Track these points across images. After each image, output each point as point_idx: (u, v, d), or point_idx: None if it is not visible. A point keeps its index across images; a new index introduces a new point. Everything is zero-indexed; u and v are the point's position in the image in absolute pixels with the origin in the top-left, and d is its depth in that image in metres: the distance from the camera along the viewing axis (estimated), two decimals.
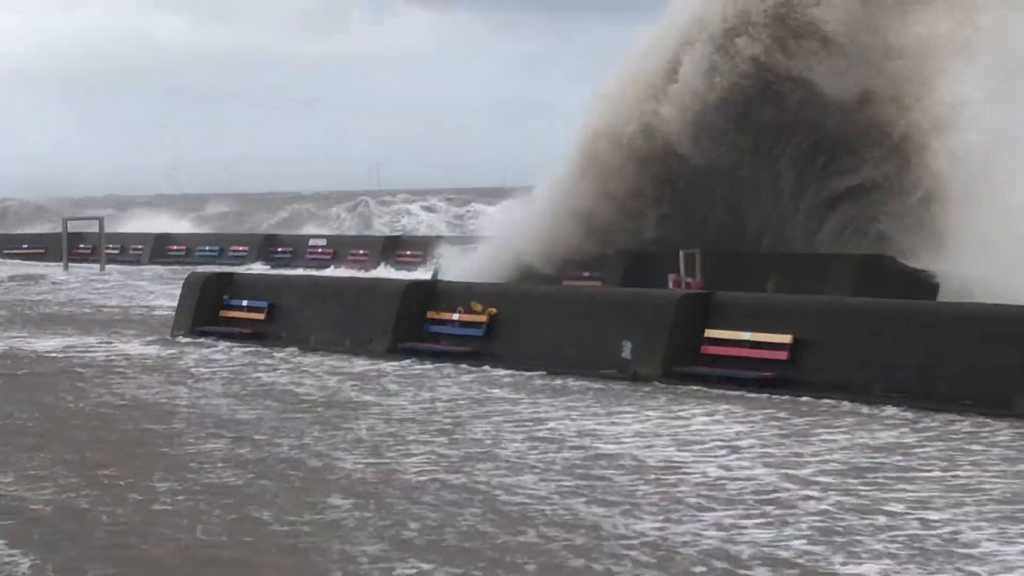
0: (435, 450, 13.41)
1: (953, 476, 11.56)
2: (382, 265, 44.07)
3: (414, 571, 8.89)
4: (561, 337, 19.52)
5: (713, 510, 10.38)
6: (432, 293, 21.63)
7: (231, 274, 28.78)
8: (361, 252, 47.69)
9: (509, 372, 18.81)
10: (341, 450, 13.35)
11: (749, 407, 15.93)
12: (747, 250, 28.35)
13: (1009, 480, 11.34)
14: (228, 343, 23.52)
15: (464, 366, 19.39)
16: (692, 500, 10.86)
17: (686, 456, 12.93)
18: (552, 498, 10.86)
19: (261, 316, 24.30)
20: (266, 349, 22.63)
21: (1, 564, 9.47)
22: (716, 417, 15.32)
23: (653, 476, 12.02)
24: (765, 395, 16.60)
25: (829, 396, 15.97)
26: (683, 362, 17.62)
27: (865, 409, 15.58)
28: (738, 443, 13.79)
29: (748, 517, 10.13)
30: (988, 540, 9.19)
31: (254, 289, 25.98)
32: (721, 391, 16.89)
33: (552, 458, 12.70)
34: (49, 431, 15.15)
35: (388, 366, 19.68)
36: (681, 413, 15.61)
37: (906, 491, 10.90)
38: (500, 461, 12.54)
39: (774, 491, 11.08)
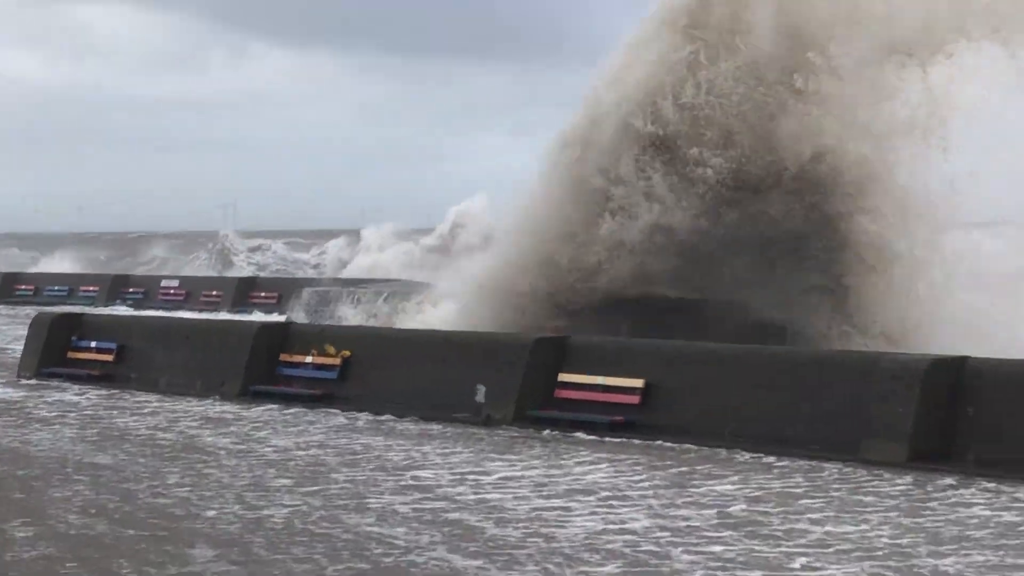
0: (300, 498, 13.25)
1: (835, 526, 11.76)
2: (235, 307, 44.09)
3: None
4: (415, 380, 19.49)
5: (592, 563, 10.30)
6: (285, 335, 21.51)
7: (80, 314, 28.46)
8: (214, 293, 47.02)
9: (364, 416, 18.70)
10: (204, 498, 13.09)
11: (609, 452, 16.07)
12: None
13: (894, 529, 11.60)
14: (77, 385, 23.11)
15: (319, 409, 19.24)
16: (568, 551, 10.78)
17: (556, 504, 12.90)
18: (427, 549, 10.73)
19: (110, 357, 23.94)
20: (116, 391, 22.28)
21: None
22: (580, 463, 15.39)
23: (526, 526, 11.96)
24: (621, 439, 16.74)
25: (680, 440, 16.10)
26: (536, 406, 17.74)
27: (723, 453, 15.78)
28: (606, 491, 13.81)
29: (633, 567, 10.12)
30: None
31: (103, 330, 25.55)
32: (577, 434, 16.98)
33: (421, 507, 12.58)
34: None
35: (242, 410, 19.50)
36: (545, 459, 15.73)
37: (784, 542, 11.02)
38: (368, 510, 12.38)
39: (651, 541, 11.05)
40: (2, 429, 18.26)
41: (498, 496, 13.53)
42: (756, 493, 13.21)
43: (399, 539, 10.95)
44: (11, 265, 63.62)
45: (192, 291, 47.74)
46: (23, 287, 53.99)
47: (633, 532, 11.47)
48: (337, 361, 20.23)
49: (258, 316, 37.57)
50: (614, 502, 13.09)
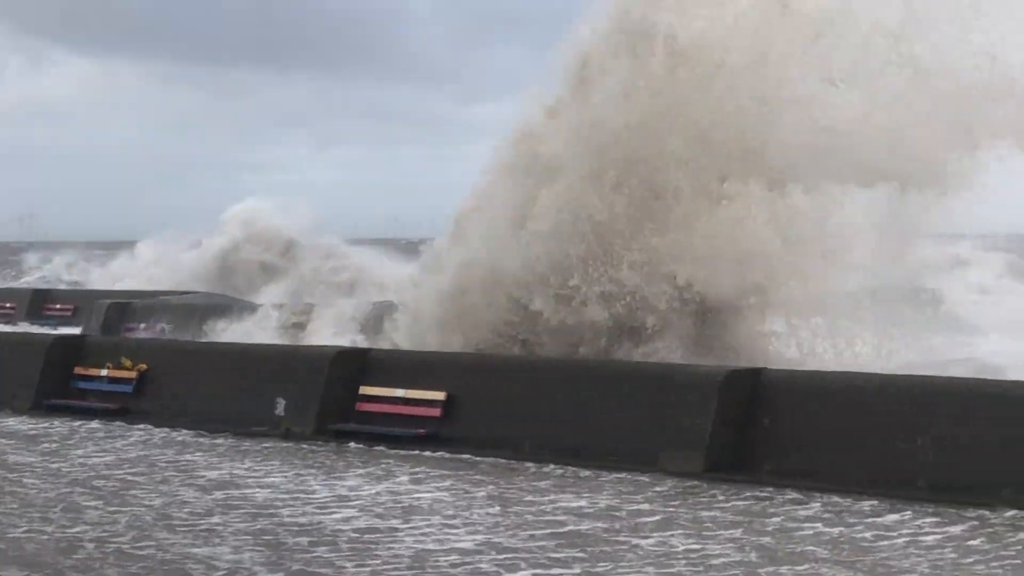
0: (110, 516, 12.87)
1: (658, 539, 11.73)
2: (29, 319, 43.27)
3: None
4: (214, 394, 19.32)
5: None
6: (80, 348, 21.17)
7: None
8: (8, 305, 45.97)
9: (162, 431, 18.40)
10: (9, 516, 12.62)
11: (426, 467, 16.06)
12: None
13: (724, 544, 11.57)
14: None
15: (115, 423, 18.88)
16: (395, 572, 10.67)
17: (381, 523, 12.69)
18: (252, 571, 10.49)
19: None
20: None
21: None
22: (398, 480, 15.31)
23: (352, 546, 11.70)
24: (427, 453, 16.75)
25: (482, 453, 16.20)
26: (337, 419, 17.71)
27: (532, 467, 15.73)
28: (429, 508, 13.65)
29: None
30: None
31: None
32: (379, 448, 16.93)
33: (239, 526, 12.30)
34: None
35: (36, 424, 19.05)
36: (363, 475, 15.57)
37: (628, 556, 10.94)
38: (183, 529, 12.08)
39: (485, 560, 10.91)
40: None
41: (319, 514, 13.32)
42: (581, 506, 13.19)
43: (220, 559, 10.69)
44: None
45: None
46: None
47: (464, 551, 11.36)
48: (134, 375, 19.92)
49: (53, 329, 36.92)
50: (438, 519, 13.00)
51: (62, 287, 56.48)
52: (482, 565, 10.60)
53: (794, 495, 13.68)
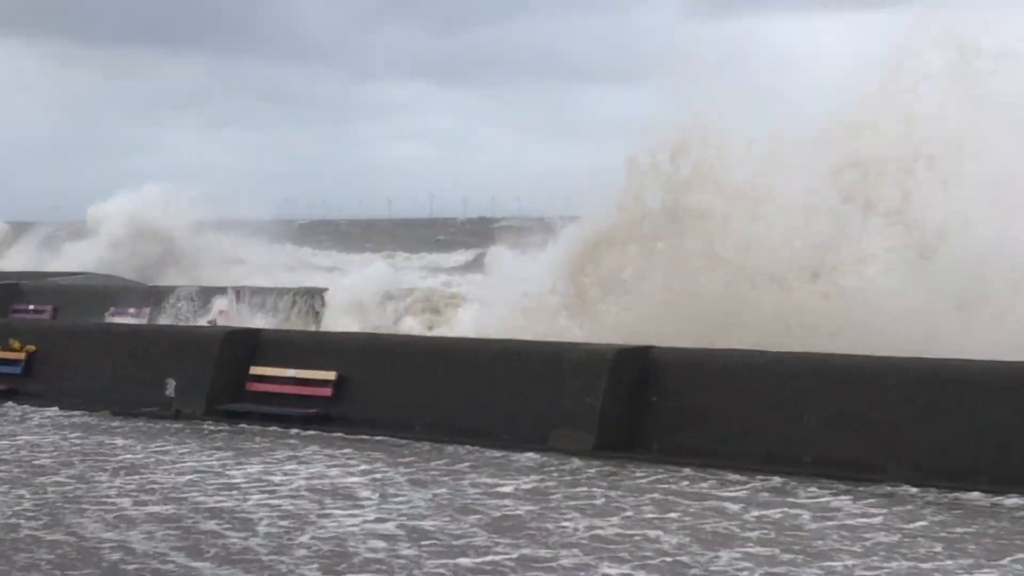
0: (14, 500, 12.48)
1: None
2: None
3: None
4: (105, 375, 19.16)
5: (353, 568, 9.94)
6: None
7: None
8: None
9: (52, 411, 18.12)
10: None
11: (322, 447, 15.92)
12: None
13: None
14: None
15: (7, 404, 18.63)
16: (302, 553, 10.43)
17: (294, 506, 12.43)
18: (168, 556, 10.24)
19: None
20: None
21: None
22: (293, 459, 15.13)
23: (265, 529, 11.40)
24: (323, 432, 16.59)
25: (373, 432, 16.11)
26: (228, 400, 17.58)
27: (427, 446, 15.61)
28: (337, 489, 13.43)
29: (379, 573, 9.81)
30: None
31: None
32: (272, 428, 16.82)
33: (149, 510, 12.00)
34: None
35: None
36: (266, 456, 15.35)
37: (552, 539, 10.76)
38: (93, 511, 11.81)
39: (405, 545, 10.62)
40: None
41: (227, 497, 12.95)
42: (496, 488, 12.97)
43: (135, 544, 10.45)
44: None
45: None
46: None
47: (384, 536, 11.06)
48: (22, 356, 19.69)
49: None
50: (353, 503, 12.73)
51: None
52: (406, 551, 10.36)
53: (688, 472, 13.49)
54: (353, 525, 11.43)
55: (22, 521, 11.31)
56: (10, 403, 18.72)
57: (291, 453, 15.32)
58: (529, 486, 12.97)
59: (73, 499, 12.37)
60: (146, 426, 17.31)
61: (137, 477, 13.77)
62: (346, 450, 15.42)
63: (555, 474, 13.70)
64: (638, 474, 13.61)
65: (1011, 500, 11.86)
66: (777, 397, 14.47)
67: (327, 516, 11.77)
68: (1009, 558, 9.91)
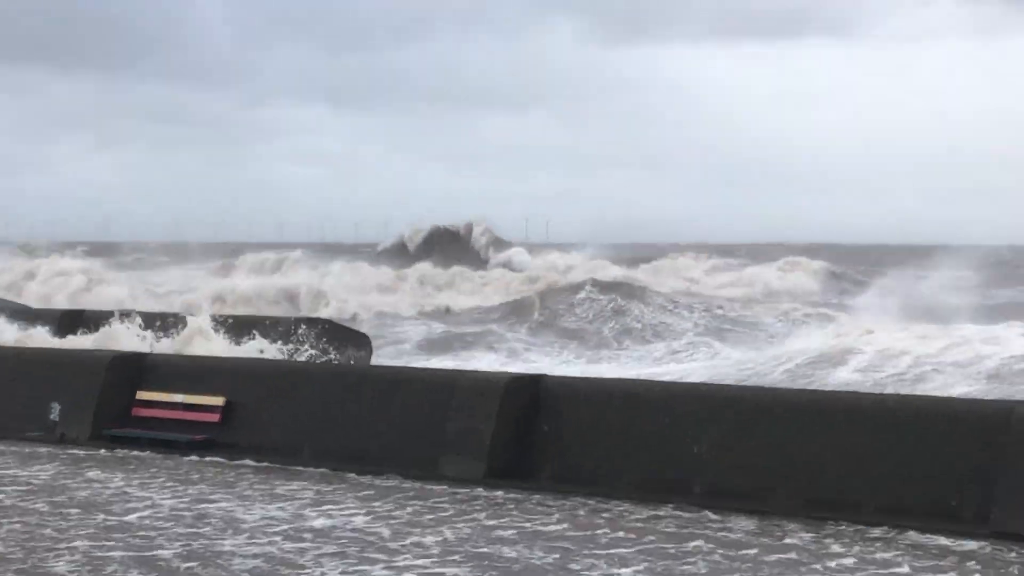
0: None
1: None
2: None
3: None
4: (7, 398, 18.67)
5: None
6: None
7: None
8: None
9: None
10: None
11: (216, 474, 15.69)
12: None
13: None
14: None
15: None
16: None
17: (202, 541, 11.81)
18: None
19: None
20: None
21: None
22: (189, 486, 14.85)
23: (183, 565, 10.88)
24: (209, 458, 16.32)
25: (261, 459, 16.02)
26: (114, 424, 17.21)
27: (317, 473, 15.36)
28: (241, 521, 12.89)
29: None
30: None
31: None
32: (159, 454, 16.54)
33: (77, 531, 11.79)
34: None
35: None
36: (151, 482, 14.97)
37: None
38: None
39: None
40: None
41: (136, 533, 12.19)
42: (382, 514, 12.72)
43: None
44: None
45: None
46: None
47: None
48: None
49: None
50: (266, 536, 12.22)
51: None
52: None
53: (564, 500, 13.44)
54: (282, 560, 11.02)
55: None
56: None
57: (192, 480, 14.94)
58: (419, 516, 12.76)
59: None
60: (33, 450, 16.69)
61: (36, 504, 13.23)
62: (229, 476, 15.28)
63: (455, 502, 13.53)
64: (524, 500, 13.76)
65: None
66: (668, 426, 14.54)
67: (246, 550, 11.28)
68: None
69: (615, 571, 10.27)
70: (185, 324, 28.31)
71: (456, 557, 10.78)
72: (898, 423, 13.13)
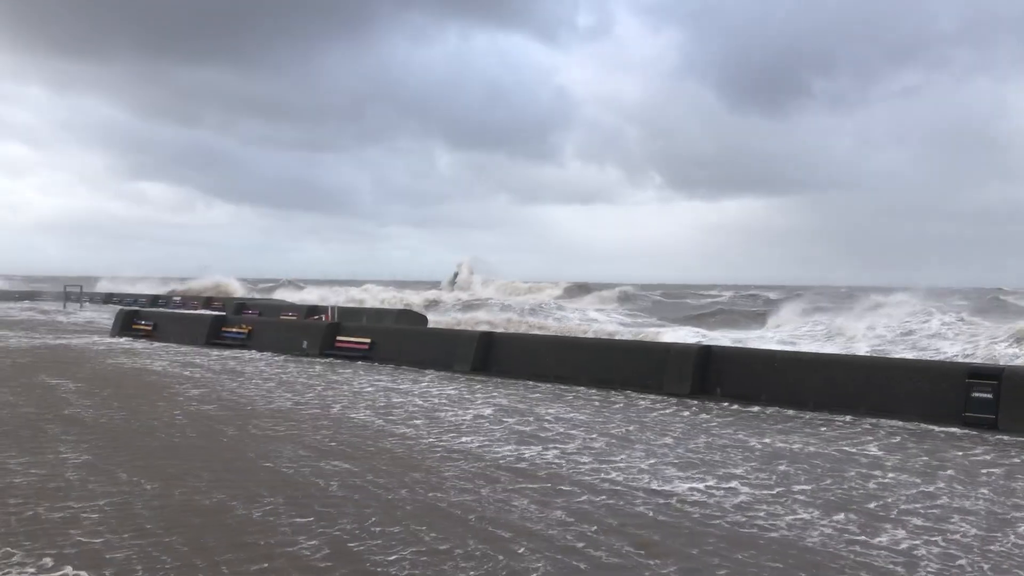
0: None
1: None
2: None
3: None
4: (281, 338, 35.07)
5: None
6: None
7: (136, 309, 46.85)
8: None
9: (266, 354, 32.29)
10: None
11: (362, 371, 26.68)
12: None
13: None
14: (136, 339, 40.24)
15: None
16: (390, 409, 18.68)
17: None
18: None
19: (151, 328, 41.35)
20: (155, 342, 38.09)
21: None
22: (353, 373, 25.76)
23: (367, 400, 20.30)
24: (364, 361, 29.80)
25: (394, 365, 28.63)
26: (328, 348, 32.67)
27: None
28: (373, 384, 22.79)
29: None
30: None
31: (147, 316, 43.39)
32: (345, 359, 30.57)
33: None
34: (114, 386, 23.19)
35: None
36: (340, 370, 26.33)
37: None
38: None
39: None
40: (119, 357, 30.83)
41: (328, 384, 23.55)
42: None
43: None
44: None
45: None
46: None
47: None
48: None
49: None
50: (391, 390, 22.61)
51: None
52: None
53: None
54: (401, 399, 20.42)
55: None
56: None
57: (346, 370, 27.20)
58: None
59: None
60: (294, 359, 31.29)
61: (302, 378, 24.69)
62: (379, 374, 26.25)
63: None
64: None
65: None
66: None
67: (386, 392, 21.16)
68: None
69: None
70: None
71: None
72: None
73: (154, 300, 78.73)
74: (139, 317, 44.26)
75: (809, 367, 22.12)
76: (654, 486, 12.92)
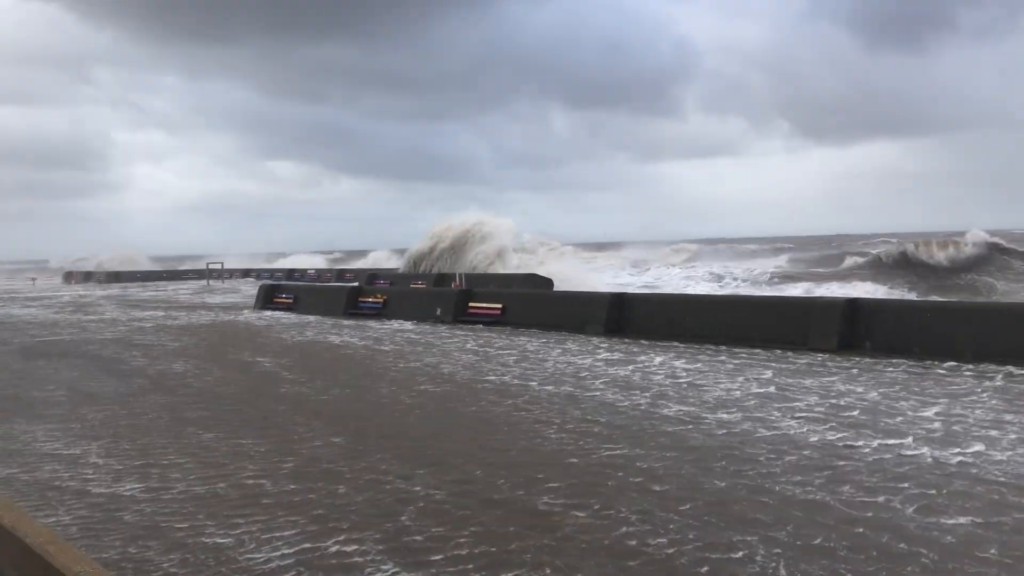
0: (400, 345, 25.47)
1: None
2: None
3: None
4: (415, 308, 35.68)
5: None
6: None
7: (276, 284, 48.25)
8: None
9: (396, 323, 32.80)
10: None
11: (495, 334, 28.04)
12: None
13: None
14: (279, 311, 42.11)
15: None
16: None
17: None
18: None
19: (291, 301, 42.44)
20: (296, 314, 39.81)
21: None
22: (486, 334, 27.64)
23: (514, 362, 21.06)
24: (495, 327, 30.61)
25: (526, 329, 29.47)
26: (460, 315, 33.62)
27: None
28: (508, 344, 24.58)
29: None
30: None
31: (285, 289, 43.57)
32: (476, 325, 31.49)
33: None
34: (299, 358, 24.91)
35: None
36: (470, 331, 29.17)
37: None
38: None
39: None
40: (287, 332, 32.08)
41: (456, 341, 26.52)
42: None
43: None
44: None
45: None
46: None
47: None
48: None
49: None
50: (527, 352, 24.10)
51: None
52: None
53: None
54: (556, 358, 21.57)
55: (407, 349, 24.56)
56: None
57: (489, 333, 28.43)
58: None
59: (417, 344, 25.27)
60: (430, 326, 32.51)
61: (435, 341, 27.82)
62: (511, 334, 28.46)
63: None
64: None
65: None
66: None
67: (533, 353, 22.46)
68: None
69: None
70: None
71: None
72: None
73: (289, 274, 79.81)
74: (279, 291, 45.15)
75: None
76: None
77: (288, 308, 42.23)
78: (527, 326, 30.87)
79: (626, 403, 16.02)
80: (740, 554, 8.56)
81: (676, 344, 25.27)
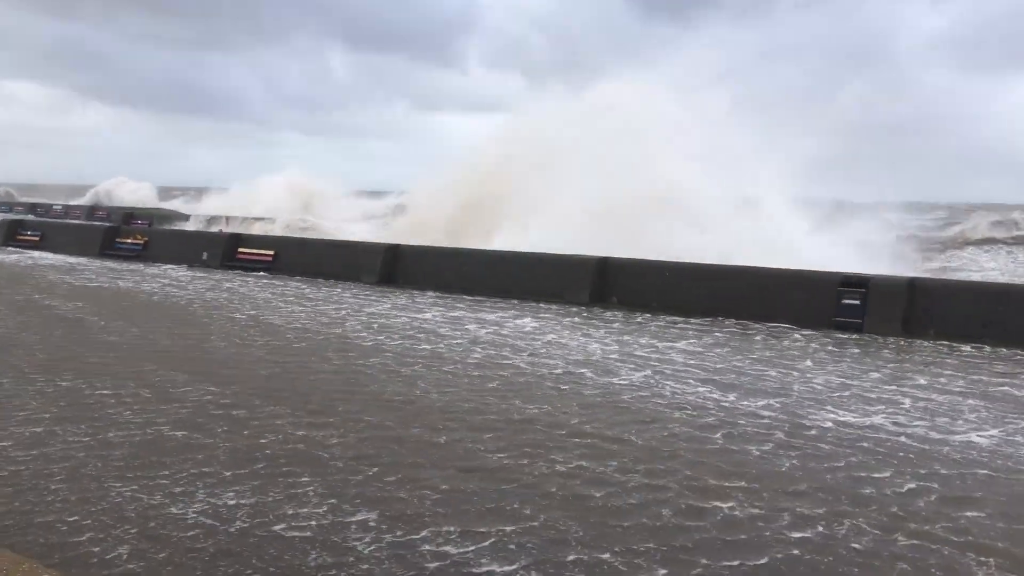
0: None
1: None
2: None
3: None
4: (187, 251, 35.08)
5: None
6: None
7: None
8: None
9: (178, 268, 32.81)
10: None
11: (265, 280, 29.44)
12: None
13: None
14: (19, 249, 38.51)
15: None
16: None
17: (248, 292, 24.89)
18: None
19: (37, 239, 39.67)
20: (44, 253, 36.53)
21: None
22: (252, 282, 28.56)
23: (262, 299, 25.40)
24: (266, 275, 29.93)
25: (292, 277, 29.95)
26: (228, 260, 32.96)
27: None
28: (265, 291, 26.30)
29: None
30: None
31: (34, 226, 40.08)
32: (242, 272, 30.79)
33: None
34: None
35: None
36: (236, 280, 29.09)
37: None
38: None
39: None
40: (54, 273, 30.55)
41: (218, 290, 26.52)
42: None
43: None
44: None
45: None
46: None
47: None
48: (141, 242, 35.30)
49: None
50: (289, 298, 25.62)
51: None
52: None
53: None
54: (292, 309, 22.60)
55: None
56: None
57: (253, 279, 28.86)
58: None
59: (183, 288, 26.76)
60: (200, 270, 31.82)
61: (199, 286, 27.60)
62: (277, 281, 28.23)
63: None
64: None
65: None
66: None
67: (274, 304, 22.20)
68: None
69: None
70: None
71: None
72: None
73: (31, 208, 75.30)
74: (24, 227, 42.73)
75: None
76: None
77: (34, 246, 39.84)
78: (301, 274, 30.77)
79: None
80: None
81: (443, 294, 26.22)
